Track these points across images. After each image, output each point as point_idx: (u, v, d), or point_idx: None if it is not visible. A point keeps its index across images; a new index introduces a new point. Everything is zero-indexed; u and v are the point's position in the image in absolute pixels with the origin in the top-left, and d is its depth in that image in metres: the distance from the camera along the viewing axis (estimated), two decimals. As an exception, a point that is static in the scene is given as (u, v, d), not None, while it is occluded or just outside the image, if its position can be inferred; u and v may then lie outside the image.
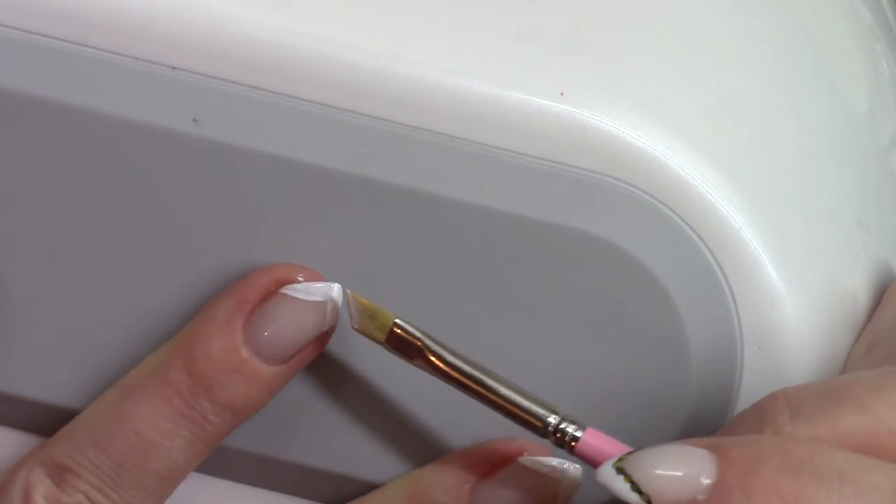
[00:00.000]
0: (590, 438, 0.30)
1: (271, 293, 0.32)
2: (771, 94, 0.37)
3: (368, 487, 0.35)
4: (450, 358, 0.31)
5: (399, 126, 0.33)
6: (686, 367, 0.34)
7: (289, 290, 0.32)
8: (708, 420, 0.35)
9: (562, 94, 0.33)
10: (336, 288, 0.32)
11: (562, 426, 0.30)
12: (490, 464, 0.33)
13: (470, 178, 0.33)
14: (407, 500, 0.32)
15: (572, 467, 0.33)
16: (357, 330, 0.32)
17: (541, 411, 0.31)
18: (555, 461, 0.33)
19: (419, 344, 0.31)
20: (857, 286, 0.36)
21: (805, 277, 0.35)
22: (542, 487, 0.33)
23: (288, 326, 0.32)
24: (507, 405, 0.31)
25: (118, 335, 0.34)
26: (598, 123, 0.33)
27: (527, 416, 0.31)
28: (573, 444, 0.30)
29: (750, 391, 0.35)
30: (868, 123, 0.40)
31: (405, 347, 0.32)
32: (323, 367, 0.34)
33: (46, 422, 0.35)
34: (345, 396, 0.34)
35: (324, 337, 0.33)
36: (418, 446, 0.35)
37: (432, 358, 0.31)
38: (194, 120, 0.33)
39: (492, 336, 0.33)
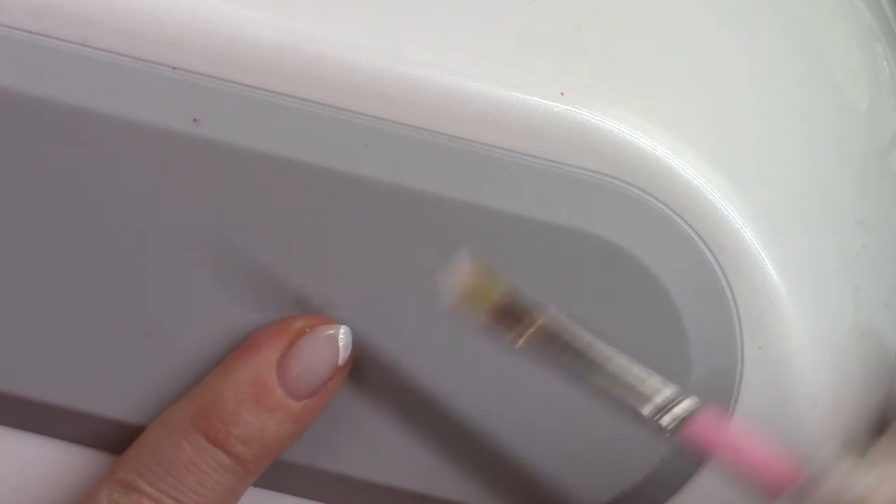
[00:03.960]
0: (706, 422, 0.28)
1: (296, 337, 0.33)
2: (771, 95, 0.37)
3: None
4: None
5: (399, 126, 0.33)
6: (686, 367, 0.34)
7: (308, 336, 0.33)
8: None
9: (562, 94, 0.33)
10: (344, 329, 0.33)
11: (672, 403, 0.29)
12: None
13: (470, 178, 0.33)
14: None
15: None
16: (460, 297, 0.31)
17: (656, 385, 0.29)
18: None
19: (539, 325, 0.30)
20: (857, 286, 0.36)
21: (805, 277, 0.35)
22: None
23: (312, 362, 0.33)
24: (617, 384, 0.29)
25: (118, 335, 0.34)
26: (599, 123, 0.33)
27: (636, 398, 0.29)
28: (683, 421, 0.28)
29: (750, 390, 0.35)
30: (868, 123, 0.40)
31: (512, 313, 0.31)
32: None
33: (46, 421, 0.35)
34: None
35: (342, 371, 0.34)
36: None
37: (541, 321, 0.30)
38: (194, 120, 0.33)
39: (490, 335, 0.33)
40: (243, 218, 0.33)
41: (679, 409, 0.29)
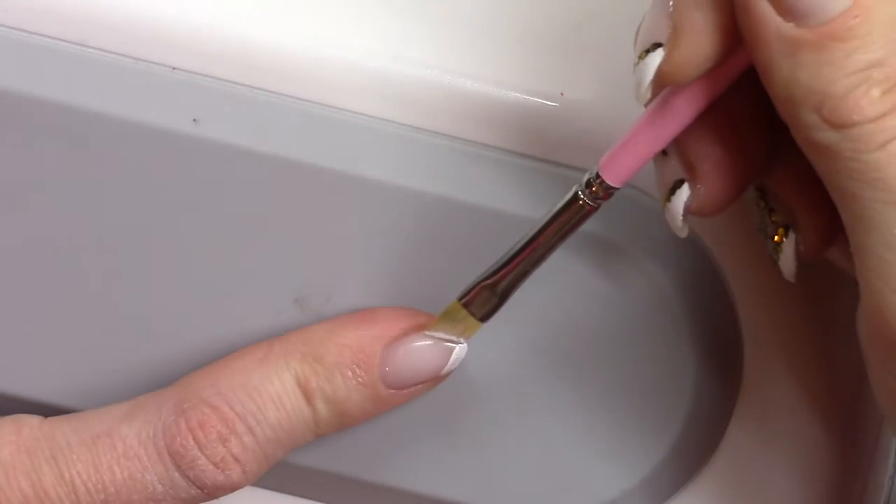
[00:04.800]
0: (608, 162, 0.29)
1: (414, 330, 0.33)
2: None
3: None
4: (502, 267, 0.31)
5: (399, 126, 0.33)
6: (687, 367, 0.34)
7: (426, 335, 0.33)
8: (709, 419, 0.35)
9: (562, 94, 0.33)
10: (462, 345, 0.33)
11: (587, 182, 0.29)
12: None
13: (470, 178, 0.33)
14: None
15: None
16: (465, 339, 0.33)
17: (567, 198, 0.30)
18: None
19: (481, 288, 0.31)
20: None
21: (805, 277, 0.35)
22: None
23: (419, 361, 0.33)
24: (549, 227, 0.30)
25: (117, 334, 0.34)
26: (598, 123, 0.33)
27: (567, 211, 0.30)
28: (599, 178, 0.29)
29: (751, 390, 0.35)
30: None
31: (482, 303, 0.32)
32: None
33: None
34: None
35: (439, 380, 0.33)
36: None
37: (499, 282, 0.31)
38: (194, 120, 0.33)
39: (492, 335, 0.33)
40: (243, 218, 0.33)
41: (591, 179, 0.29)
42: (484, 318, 0.32)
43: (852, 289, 0.34)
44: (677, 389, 0.34)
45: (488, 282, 0.31)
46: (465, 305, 0.32)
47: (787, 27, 0.25)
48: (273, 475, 0.34)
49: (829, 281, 0.34)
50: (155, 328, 0.34)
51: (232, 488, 0.32)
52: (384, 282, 0.34)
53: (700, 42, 0.26)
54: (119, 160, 0.33)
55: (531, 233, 0.30)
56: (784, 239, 0.29)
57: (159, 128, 0.33)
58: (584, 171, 0.33)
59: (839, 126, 0.25)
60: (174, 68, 0.33)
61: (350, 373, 0.32)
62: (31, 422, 0.32)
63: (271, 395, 0.32)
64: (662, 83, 0.27)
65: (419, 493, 0.35)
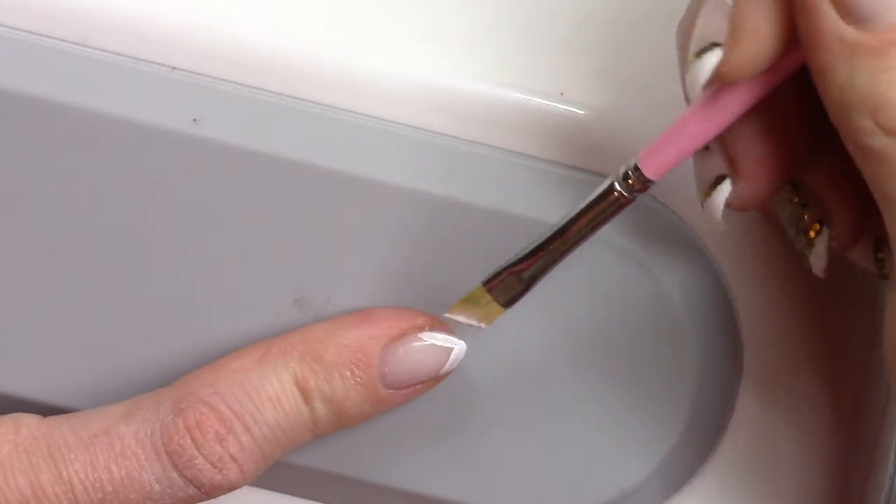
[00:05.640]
0: (648, 154, 0.29)
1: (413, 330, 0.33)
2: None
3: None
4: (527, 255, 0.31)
5: (399, 126, 0.33)
6: (687, 367, 0.34)
7: (425, 335, 0.33)
8: (709, 420, 0.35)
9: (562, 94, 0.33)
10: (461, 345, 0.33)
11: (623, 174, 0.29)
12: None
13: (470, 178, 0.33)
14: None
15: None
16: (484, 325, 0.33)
17: (601, 189, 0.30)
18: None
19: (508, 273, 0.31)
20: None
21: (805, 279, 0.35)
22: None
23: (418, 361, 0.33)
24: (582, 217, 0.30)
25: (117, 334, 0.34)
26: (599, 123, 0.33)
27: (602, 202, 0.30)
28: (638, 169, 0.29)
29: (751, 389, 0.35)
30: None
31: (506, 289, 0.32)
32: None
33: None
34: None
35: (438, 380, 0.33)
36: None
37: (526, 269, 0.31)
38: (194, 120, 0.33)
39: (491, 335, 0.33)
40: (243, 218, 0.33)
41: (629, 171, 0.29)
42: (507, 304, 0.32)
43: (853, 292, 0.34)
44: (677, 390, 0.34)
45: (515, 268, 0.31)
46: (490, 290, 0.31)
47: (848, 31, 0.25)
48: (273, 475, 0.34)
49: (830, 283, 0.34)
50: (155, 328, 0.34)
51: (230, 488, 0.32)
52: (384, 282, 0.34)
53: (759, 43, 0.26)
54: (119, 160, 0.33)
55: (563, 222, 0.30)
56: (818, 235, 0.29)
57: (159, 128, 0.33)
58: (584, 171, 0.33)
59: (894, 132, 0.25)
60: (174, 68, 0.33)
61: (349, 373, 0.32)
62: (30, 421, 0.32)
63: (269, 394, 0.32)
64: (717, 82, 0.27)
65: (419, 493, 0.35)
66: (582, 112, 0.33)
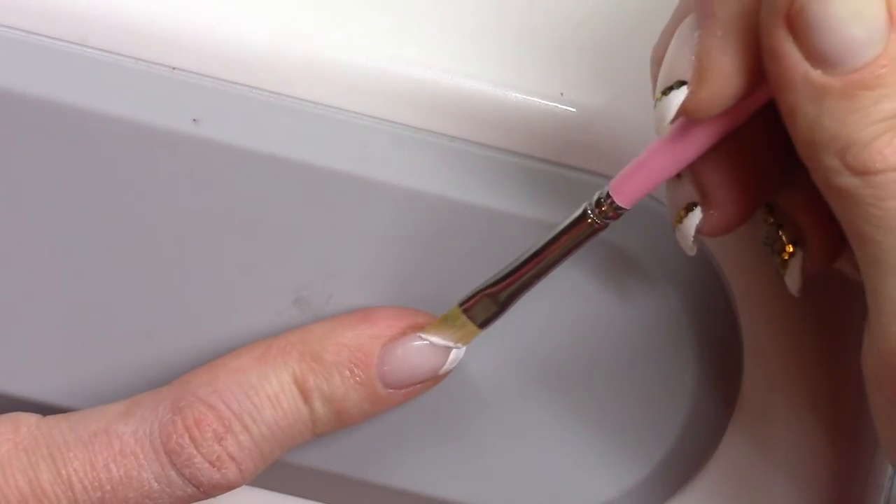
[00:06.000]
0: (620, 183, 0.29)
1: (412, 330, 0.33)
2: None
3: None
4: (506, 277, 0.31)
5: (399, 126, 0.33)
6: (687, 367, 0.34)
7: (424, 335, 0.33)
8: (709, 419, 0.35)
9: (562, 94, 0.33)
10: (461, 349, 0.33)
11: (597, 201, 0.29)
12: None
13: (470, 178, 0.33)
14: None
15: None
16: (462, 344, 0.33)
17: (575, 215, 0.30)
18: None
19: (482, 296, 0.32)
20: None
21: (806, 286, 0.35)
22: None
23: (417, 361, 0.33)
24: (556, 241, 0.30)
25: (117, 334, 0.34)
26: (598, 123, 0.33)
27: (575, 228, 0.30)
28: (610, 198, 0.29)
29: (752, 389, 0.35)
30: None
31: (482, 310, 0.32)
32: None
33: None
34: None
35: (437, 380, 0.33)
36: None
37: (501, 291, 0.31)
38: (194, 120, 0.33)
39: (491, 335, 0.33)
40: (243, 218, 0.33)
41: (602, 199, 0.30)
42: (483, 325, 0.32)
43: (852, 297, 0.34)
44: (676, 394, 0.34)
45: (490, 290, 0.31)
46: (466, 311, 0.32)
47: (815, 74, 0.25)
48: (273, 475, 0.34)
49: (831, 290, 0.34)
50: (154, 327, 0.34)
51: (228, 487, 0.32)
52: (384, 282, 0.34)
53: (725, 83, 0.26)
54: (119, 160, 0.33)
55: (537, 246, 0.31)
56: (792, 256, 0.30)
57: (159, 128, 0.33)
58: (584, 171, 0.33)
59: (861, 173, 0.25)
60: (174, 68, 0.33)
61: (348, 372, 0.32)
62: (29, 420, 0.32)
63: (268, 393, 0.32)
64: (683, 117, 0.27)
65: (419, 493, 0.35)
66: (581, 112, 0.33)
